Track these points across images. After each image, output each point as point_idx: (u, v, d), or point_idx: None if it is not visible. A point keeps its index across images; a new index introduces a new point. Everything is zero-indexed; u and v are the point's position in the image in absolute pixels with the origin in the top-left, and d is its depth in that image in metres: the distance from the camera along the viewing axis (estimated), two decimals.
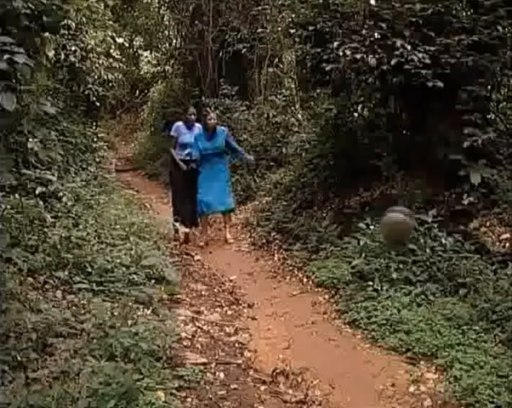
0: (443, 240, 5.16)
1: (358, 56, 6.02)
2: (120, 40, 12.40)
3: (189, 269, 6.83)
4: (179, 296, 5.58)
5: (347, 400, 3.75)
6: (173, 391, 3.44)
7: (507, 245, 5.29)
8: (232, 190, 9.41)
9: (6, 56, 3.19)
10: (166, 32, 17.22)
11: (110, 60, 11.15)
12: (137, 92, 21.16)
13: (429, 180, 6.12)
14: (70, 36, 9.39)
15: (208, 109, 8.34)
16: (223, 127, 8.34)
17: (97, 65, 10.22)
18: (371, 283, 5.18)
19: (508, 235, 5.37)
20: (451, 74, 5.75)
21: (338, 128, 8.01)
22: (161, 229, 7.43)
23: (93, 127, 10.68)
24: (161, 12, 16.62)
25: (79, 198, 7.05)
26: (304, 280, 6.21)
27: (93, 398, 3.07)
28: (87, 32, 9.81)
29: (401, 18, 6.02)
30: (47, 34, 4.52)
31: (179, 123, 8.36)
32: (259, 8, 11.86)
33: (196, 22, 13.49)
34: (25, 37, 3.91)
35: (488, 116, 6.35)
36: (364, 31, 6.25)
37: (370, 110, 7.50)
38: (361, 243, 5.75)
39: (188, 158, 8.07)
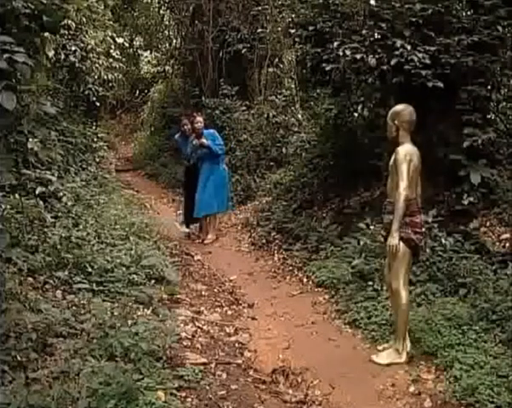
0: (443, 240, 5.15)
1: (358, 56, 6.03)
2: (120, 40, 12.43)
3: (189, 269, 6.83)
4: (179, 296, 5.58)
5: (347, 400, 3.75)
6: (173, 391, 3.44)
7: (507, 245, 5.29)
8: (232, 190, 9.44)
9: (6, 55, 3.19)
10: (166, 32, 17.23)
11: (110, 60, 11.16)
12: (137, 92, 21.16)
13: (429, 180, 6.11)
14: (70, 36, 9.40)
15: (195, 113, 8.54)
16: (211, 130, 8.38)
17: (97, 65, 10.23)
18: (371, 283, 5.19)
19: (508, 235, 5.37)
20: (451, 74, 5.75)
21: (338, 128, 8.01)
22: (161, 229, 7.45)
23: (93, 127, 10.70)
24: (161, 12, 16.62)
25: (79, 198, 7.05)
26: (304, 280, 6.21)
27: (93, 398, 3.07)
28: (87, 32, 9.81)
29: (400, 18, 6.02)
30: (47, 34, 4.52)
31: (176, 136, 8.86)
32: (259, 8, 11.87)
33: (196, 22, 13.50)
34: (25, 37, 3.90)
35: (488, 116, 6.34)
36: (364, 31, 6.25)
37: (370, 110, 7.49)
38: (361, 243, 5.75)
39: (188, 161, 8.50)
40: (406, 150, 4.05)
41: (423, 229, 4.24)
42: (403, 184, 3.95)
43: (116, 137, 19.56)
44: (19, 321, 3.65)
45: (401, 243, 4.01)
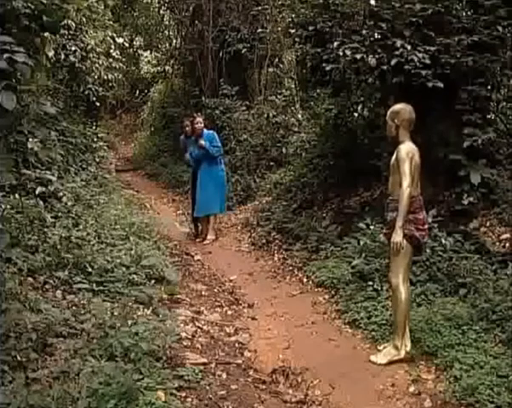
0: (443, 240, 5.15)
1: (358, 56, 6.02)
2: (120, 40, 12.44)
3: (189, 269, 6.83)
4: (179, 296, 5.58)
5: (347, 400, 3.75)
6: (173, 391, 3.44)
7: (507, 245, 5.29)
8: (232, 190, 9.45)
9: (6, 55, 3.18)
10: (166, 32, 17.24)
11: (110, 60, 11.18)
12: (137, 92, 21.16)
13: (429, 180, 6.11)
14: (70, 36, 9.41)
15: (195, 114, 8.64)
16: (210, 132, 8.41)
17: (97, 65, 10.24)
18: (371, 283, 5.19)
19: (508, 235, 5.37)
20: (451, 74, 5.75)
21: (338, 128, 8.02)
22: (161, 229, 7.46)
23: (93, 127, 10.70)
24: (161, 12, 16.62)
25: (79, 198, 7.05)
26: (304, 280, 6.21)
27: (93, 398, 3.06)
28: (87, 32, 9.82)
29: (401, 18, 6.02)
30: (47, 34, 4.52)
31: (182, 137, 8.88)
32: (259, 8, 11.86)
33: (196, 22, 13.49)
34: (25, 37, 3.90)
35: (488, 116, 6.34)
36: (364, 31, 6.25)
37: (370, 110, 7.49)
38: (361, 243, 5.75)
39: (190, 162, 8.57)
40: (408, 148, 4.08)
41: (426, 226, 4.26)
42: (406, 182, 3.98)
43: (116, 137, 19.57)
44: (19, 321, 3.64)
45: (404, 240, 4.02)
